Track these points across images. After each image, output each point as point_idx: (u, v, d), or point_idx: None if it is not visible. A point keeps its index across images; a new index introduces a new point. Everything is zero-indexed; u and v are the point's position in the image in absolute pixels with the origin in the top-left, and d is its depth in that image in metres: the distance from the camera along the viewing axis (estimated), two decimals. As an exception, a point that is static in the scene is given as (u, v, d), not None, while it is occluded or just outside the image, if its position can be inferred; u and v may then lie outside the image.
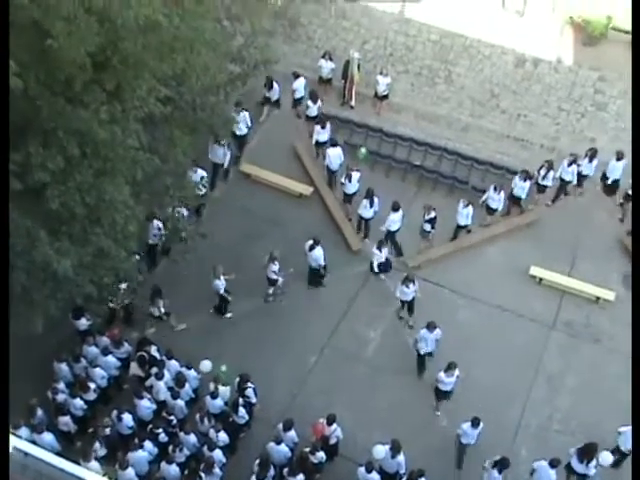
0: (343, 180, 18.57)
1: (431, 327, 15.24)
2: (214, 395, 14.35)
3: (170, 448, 13.79)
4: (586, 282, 17.61)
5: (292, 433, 13.97)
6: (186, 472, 13.47)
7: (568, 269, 18.02)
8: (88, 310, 15.13)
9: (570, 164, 18.48)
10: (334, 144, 19.14)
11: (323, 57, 21.53)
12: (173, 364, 14.98)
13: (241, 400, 14.39)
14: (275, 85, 20.46)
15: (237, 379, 14.58)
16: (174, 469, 13.51)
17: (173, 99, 13.82)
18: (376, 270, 17.41)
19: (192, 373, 14.90)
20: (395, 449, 13.49)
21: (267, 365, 15.84)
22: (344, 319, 17.04)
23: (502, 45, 21.93)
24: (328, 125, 19.61)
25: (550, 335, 16.91)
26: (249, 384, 14.53)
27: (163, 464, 13.58)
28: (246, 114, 19.21)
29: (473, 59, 22.13)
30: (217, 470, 13.57)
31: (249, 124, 19.52)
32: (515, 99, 21.74)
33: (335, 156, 19.12)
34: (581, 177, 18.93)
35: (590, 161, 18.62)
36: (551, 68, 21.76)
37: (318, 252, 16.80)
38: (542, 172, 18.55)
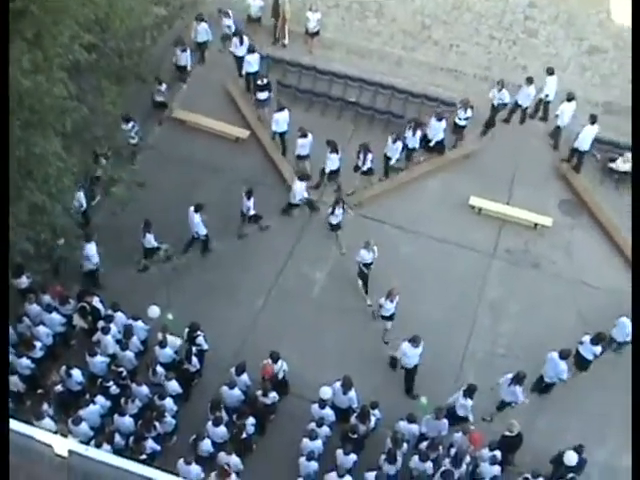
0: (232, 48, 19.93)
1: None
2: (163, 344, 14.30)
3: (122, 400, 13.76)
4: (524, 209, 17.94)
5: (245, 377, 14.05)
6: (140, 422, 13.47)
7: (506, 198, 18.30)
8: (27, 268, 14.81)
9: (395, 141, 17.71)
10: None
11: (252, -5, 21.04)
12: (119, 316, 14.83)
13: (194, 349, 14.37)
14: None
15: (187, 329, 14.53)
16: (128, 420, 13.49)
17: (98, 46, 13.37)
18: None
19: (139, 324, 14.77)
20: (346, 385, 13.69)
21: (215, 311, 15.80)
22: (289, 261, 17.06)
23: (431, -25, 21.76)
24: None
25: (491, 263, 17.24)
26: (199, 332, 14.49)
27: (116, 416, 13.54)
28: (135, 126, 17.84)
29: (403, -10, 21.92)
30: (170, 418, 13.64)
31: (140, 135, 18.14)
32: (446, 29, 21.68)
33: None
34: (409, 149, 18.36)
35: (414, 134, 18.03)
36: (480, -5, 21.72)
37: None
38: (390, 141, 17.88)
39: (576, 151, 18.54)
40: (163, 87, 18.95)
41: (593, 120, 18.02)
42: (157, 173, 17.88)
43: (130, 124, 17.21)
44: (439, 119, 18.19)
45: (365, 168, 17.74)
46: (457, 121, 18.85)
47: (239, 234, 17.35)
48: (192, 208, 16.27)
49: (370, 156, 17.50)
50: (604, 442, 14.56)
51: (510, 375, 14.07)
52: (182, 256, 16.44)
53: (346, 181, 18.01)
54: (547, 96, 19.18)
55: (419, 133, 18.07)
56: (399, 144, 17.71)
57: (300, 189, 16.97)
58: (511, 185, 18.59)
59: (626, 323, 14.76)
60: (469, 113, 18.62)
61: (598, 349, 14.64)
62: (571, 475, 13.00)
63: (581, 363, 14.92)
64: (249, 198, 16.81)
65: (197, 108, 19.61)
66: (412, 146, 18.30)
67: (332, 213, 16.69)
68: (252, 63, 19.46)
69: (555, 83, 18.92)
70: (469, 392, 13.73)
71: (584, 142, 18.21)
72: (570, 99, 18.45)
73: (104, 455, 8.99)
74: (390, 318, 15.36)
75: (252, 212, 17.08)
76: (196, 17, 19.63)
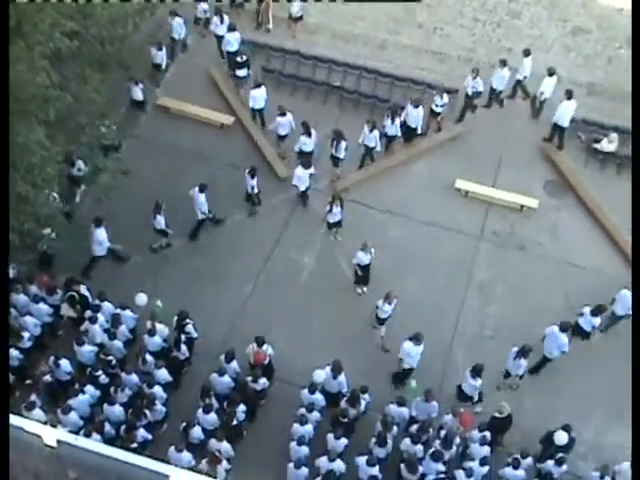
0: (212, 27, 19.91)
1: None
2: (152, 333, 14.27)
3: (112, 389, 13.75)
4: (510, 192, 17.97)
5: (234, 364, 14.05)
6: (130, 411, 13.47)
7: (492, 180, 18.33)
8: (13, 258, 14.70)
9: (371, 130, 17.46)
10: None
11: (234, -21, 20.90)
12: (107, 306, 14.78)
13: (182, 336, 14.36)
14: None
15: (175, 317, 14.50)
16: (118, 409, 13.49)
17: (79, 33, 13.22)
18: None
19: (128, 313, 14.73)
20: (336, 370, 13.73)
21: (204, 299, 15.77)
22: (277, 246, 17.04)
23: (414, -43, 21.61)
24: None
25: (478, 246, 17.29)
26: (188, 320, 14.48)
27: (106, 406, 13.53)
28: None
29: (386, -26, 21.77)
30: (160, 406, 13.65)
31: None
32: (430, 12, 21.62)
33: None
34: (388, 137, 18.21)
35: (392, 122, 17.85)
36: (464, -23, 21.62)
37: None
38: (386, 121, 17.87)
39: (556, 127, 18.63)
40: (140, 86, 18.60)
41: (569, 95, 18.11)
42: (142, 161, 17.79)
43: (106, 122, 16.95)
44: (416, 106, 18.03)
45: (341, 156, 17.57)
46: (434, 107, 18.69)
47: (249, 212, 17.48)
48: (197, 188, 16.36)
49: (344, 144, 17.36)
50: (590, 421, 14.72)
51: (516, 348, 14.26)
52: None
53: (329, 167, 18.01)
54: (525, 78, 19.18)
55: (398, 120, 17.96)
56: (376, 132, 17.56)
57: (299, 175, 16.84)
58: (497, 167, 18.61)
59: (628, 295, 14.95)
60: (445, 99, 18.52)
61: (597, 321, 14.89)
62: (560, 454, 13.12)
63: (581, 335, 15.15)
64: (253, 177, 16.83)
65: (181, 95, 19.49)
66: (392, 134, 18.17)
67: (330, 211, 16.42)
68: (232, 42, 19.44)
69: (531, 64, 18.89)
70: (476, 372, 13.86)
71: (562, 117, 18.29)
72: (551, 74, 18.54)
73: (93, 444, 8.99)
74: (384, 321, 15.20)
75: (256, 190, 17.10)
76: (170, 12, 19.42)
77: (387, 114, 17.97)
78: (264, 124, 18.78)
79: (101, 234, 15.64)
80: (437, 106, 18.64)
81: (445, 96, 18.46)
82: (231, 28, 19.33)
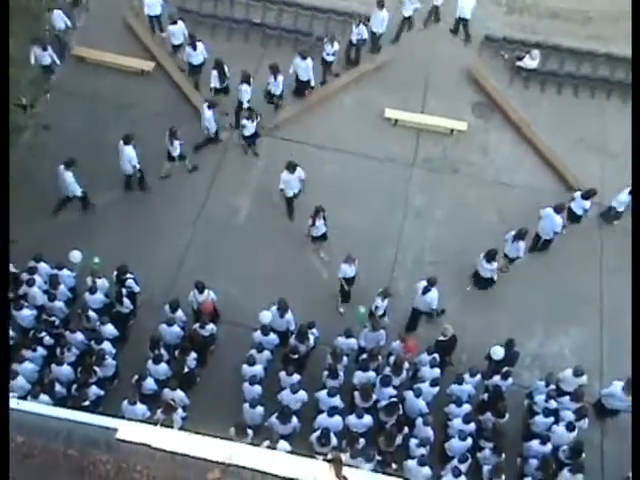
0: None
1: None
2: (93, 290, 14.05)
3: (58, 350, 13.56)
4: (439, 116, 18.06)
5: (180, 313, 13.97)
6: (80, 369, 13.35)
7: (420, 106, 18.37)
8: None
9: (241, 82, 16.90)
10: None
11: None
12: (43, 267, 14.45)
13: (124, 290, 14.18)
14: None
15: (115, 272, 14.29)
16: (66, 369, 13.34)
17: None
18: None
19: (65, 272, 14.44)
20: (282, 309, 13.78)
21: (143, 250, 15.57)
22: (211, 191, 16.85)
23: None
24: None
25: (412, 173, 17.41)
26: (128, 275, 14.28)
27: (53, 366, 13.35)
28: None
29: None
30: (110, 360, 13.56)
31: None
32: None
33: None
34: (271, 95, 17.62)
35: (275, 79, 17.08)
36: None
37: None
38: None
39: (461, 20, 19.32)
40: (23, 101, 16.19)
41: None
42: (63, 115, 17.20)
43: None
44: (303, 57, 17.43)
45: (218, 86, 17.30)
46: (325, 57, 18.16)
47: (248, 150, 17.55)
48: (205, 105, 16.44)
49: (215, 73, 17.03)
50: (533, 333, 15.21)
51: (513, 232, 14.93)
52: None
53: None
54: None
55: (280, 78, 17.24)
56: (246, 86, 16.91)
57: (285, 179, 15.89)
58: (424, 93, 18.65)
59: (627, 195, 15.78)
60: (336, 47, 18.03)
61: (587, 204, 15.68)
62: (506, 368, 13.55)
63: (573, 218, 15.94)
64: (248, 119, 16.69)
65: (96, 43, 18.77)
66: (275, 92, 17.47)
67: (313, 225, 15.48)
68: None
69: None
70: (490, 256, 14.65)
71: (464, 9, 19.00)
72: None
73: (37, 406, 8.86)
74: (384, 315, 14.79)
75: (248, 134, 16.97)
76: (48, 8, 17.59)
77: (270, 71, 17.15)
78: (162, 30, 18.89)
79: (130, 152, 15.62)
80: (328, 55, 18.13)
81: (336, 44, 17.98)
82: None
